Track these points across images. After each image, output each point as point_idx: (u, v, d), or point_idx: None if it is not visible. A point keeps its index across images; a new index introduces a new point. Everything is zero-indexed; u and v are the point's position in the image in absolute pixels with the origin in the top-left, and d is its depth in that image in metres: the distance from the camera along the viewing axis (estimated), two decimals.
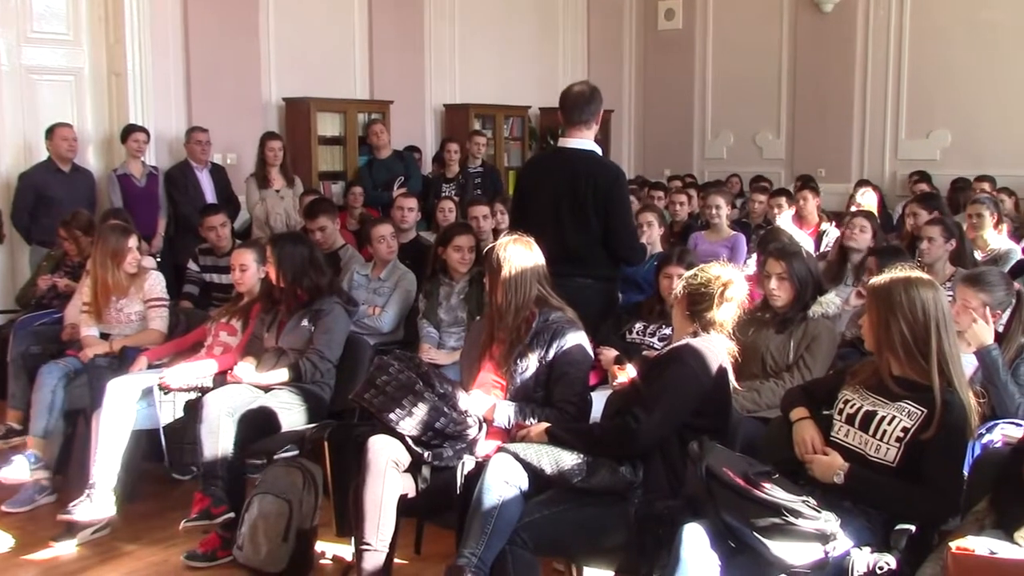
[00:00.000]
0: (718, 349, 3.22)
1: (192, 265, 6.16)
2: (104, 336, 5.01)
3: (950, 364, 2.88)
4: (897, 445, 2.87)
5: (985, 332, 3.60)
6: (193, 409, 4.23)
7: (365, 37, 9.59)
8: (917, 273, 3.02)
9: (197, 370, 4.54)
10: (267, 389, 4.32)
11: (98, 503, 4.26)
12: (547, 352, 3.56)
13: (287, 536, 3.87)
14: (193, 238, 6.73)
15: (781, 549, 2.66)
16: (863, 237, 5.61)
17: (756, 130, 11.95)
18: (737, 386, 3.37)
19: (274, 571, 3.89)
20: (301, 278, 4.51)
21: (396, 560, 3.47)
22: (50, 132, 7.04)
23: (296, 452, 4.43)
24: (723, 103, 12.18)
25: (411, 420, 3.35)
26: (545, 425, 3.32)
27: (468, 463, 3.34)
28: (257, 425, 4.13)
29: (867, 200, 7.61)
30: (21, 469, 4.60)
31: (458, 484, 3.29)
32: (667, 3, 12.47)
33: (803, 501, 2.71)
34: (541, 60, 11.49)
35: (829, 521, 2.68)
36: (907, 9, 10.76)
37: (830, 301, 4.17)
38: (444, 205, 7.24)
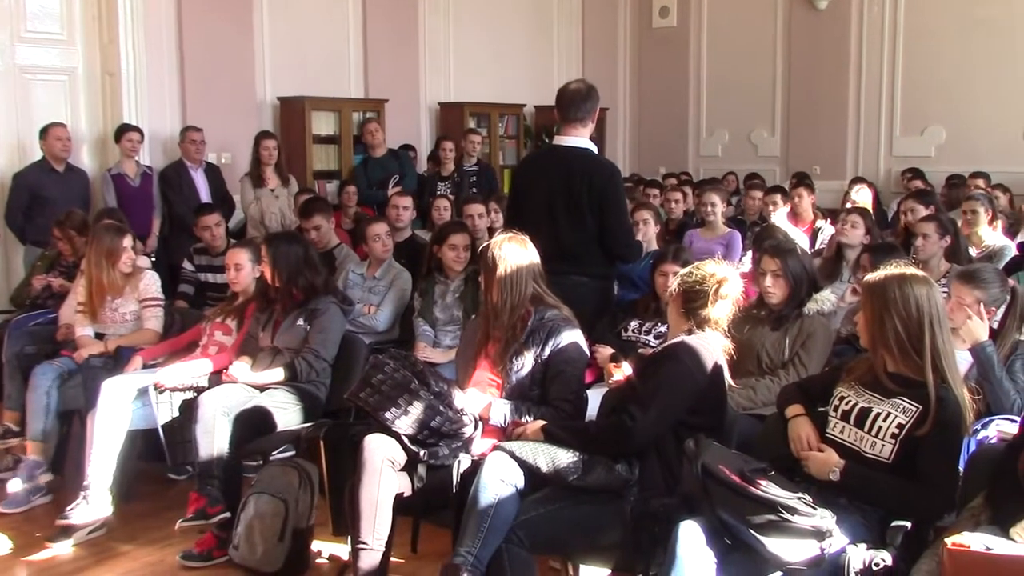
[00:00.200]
0: (713, 346, 3.23)
1: (187, 265, 6.15)
2: (99, 336, 5.00)
3: (944, 360, 2.88)
4: (892, 442, 2.87)
5: (980, 329, 3.61)
6: (189, 409, 4.23)
7: (360, 36, 9.58)
8: (911, 270, 3.03)
9: (192, 370, 4.54)
10: (263, 388, 4.32)
11: (94, 504, 4.26)
12: (543, 350, 3.56)
13: (283, 536, 3.87)
14: (188, 238, 6.72)
15: (777, 546, 2.66)
16: (856, 233, 5.62)
17: (751, 127, 11.96)
18: (733, 383, 3.36)
19: (270, 571, 3.89)
20: (296, 277, 4.50)
21: (392, 559, 3.47)
22: (44, 132, 7.02)
23: (292, 451, 4.43)
24: (718, 100, 12.19)
25: (407, 419, 3.34)
26: (541, 423, 3.32)
27: (464, 461, 3.35)
28: (253, 425, 4.12)
29: (862, 197, 7.61)
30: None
31: (454, 482, 3.29)
32: (661, 1, 12.48)
33: (799, 498, 2.71)
34: (536, 58, 11.49)
35: (825, 518, 2.68)
36: (901, 6, 10.78)
37: (825, 298, 4.17)
38: (439, 203, 7.23)
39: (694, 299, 3.25)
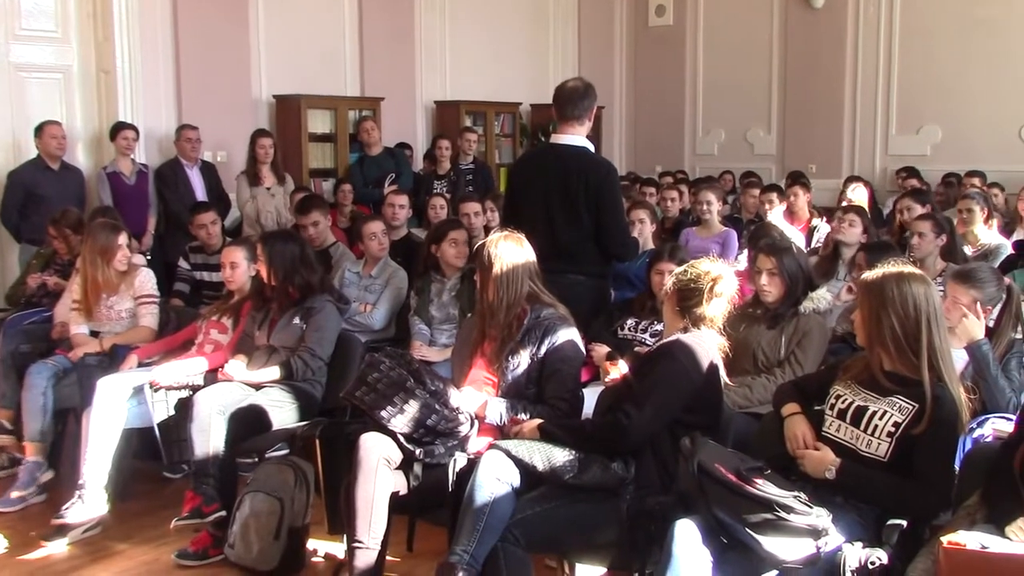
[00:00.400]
0: (708, 344, 3.22)
1: (182, 263, 6.14)
2: (94, 334, 4.99)
3: (940, 359, 2.88)
4: (888, 440, 2.87)
5: (975, 327, 3.61)
6: (184, 407, 4.22)
7: (356, 34, 9.57)
8: (909, 268, 3.03)
9: (188, 368, 4.53)
10: (258, 387, 4.31)
11: (89, 503, 4.25)
12: (539, 349, 3.55)
13: (279, 534, 3.87)
14: (183, 236, 6.70)
15: (773, 545, 2.66)
16: (852, 231, 5.62)
17: (747, 126, 11.96)
18: (728, 382, 3.37)
19: (266, 569, 3.88)
20: (292, 276, 4.50)
21: (388, 558, 3.46)
22: (39, 130, 7.00)
23: (287, 450, 4.43)
24: (714, 99, 12.19)
25: (402, 417, 3.34)
26: (538, 421, 3.32)
27: (460, 460, 3.34)
28: (248, 423, 4.12)
29: (858, 196, 7.62)
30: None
31: (450, 481, 3.28)
32: None
33: (795, 497, 2.71)
34: (532, 57, 11.49)
35: (821, 516, 2.68)
36: (897, 5, 10.78)
37: (821, 296, 4.17)
38: (435, 202, 7.23)
39: (689, 297, 3.25)
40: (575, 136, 4.60)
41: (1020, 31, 10.03)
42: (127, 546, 4.28)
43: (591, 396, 3.62)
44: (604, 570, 3.27)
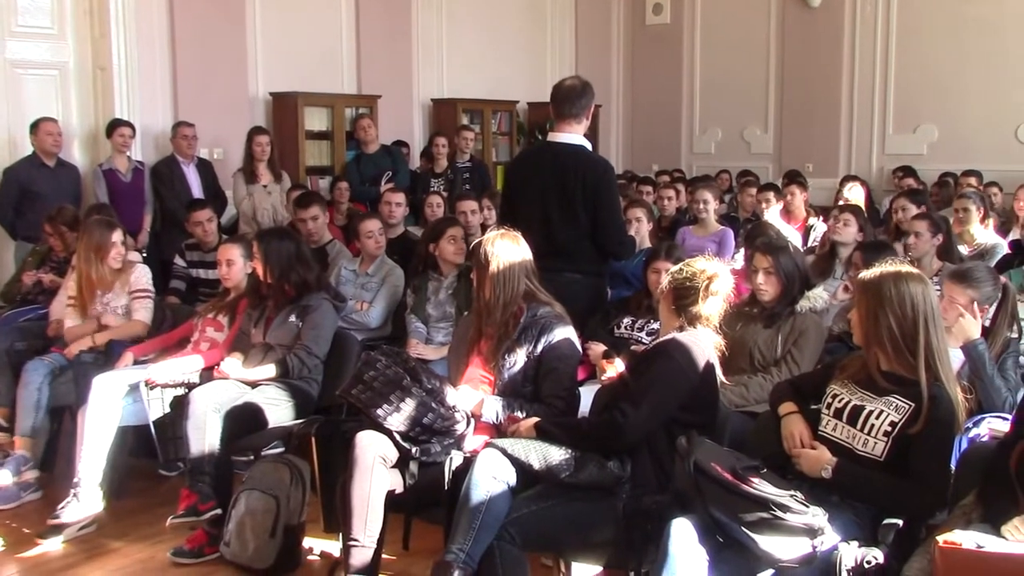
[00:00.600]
0: (704, 343, 3.22)
1: (178, 260, 6.14)
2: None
3: (937, 359, 2.89)
4: (885, 439, 2.87)
5: (972, 327, 3.61)
6: (180, 405, 4.22)
7: (353, 31, 9.56)
8: (907, 268, 3.03)
9: (183, 366, 4.52)
10: (254, 385, 4.30)
11: (85, 501, 4.24)
12: (535, 347, 3.55)
13: (274, 532, 3.86)
14: (179, 233, 6.70)
15: (769, 543, 2.66)
16: (848, 231, 5.63)
17: (744, 125, 11.96)
18: (725, 381, 3.36)
19: (261, 567, 3.88)
20: (288, 273, 4.49)
21: (384, 556, 3.45)
22: (35, 127, 6.99)
23: (283, 448, 4.42)
24: (711, 98, 12.19)
25: (399, 416, 3.34)
26: (534, 420, 3.32)
27: (456, 458, 3.33)
28: (244, 421, 4.11)
29: (854, 195, 7.62)
30: (4, 477, 4.59)
31: (446, 480, 3.27)
32: None
33: (791, 496, 2.71)
34: (529, 55, 11.49)
35: (817, 515, 2.68)
36: (894, 5, 10.78)
37: (817, 295, 4.18)
38: (432, 200, 7.22)
39: (685, 296, 3.24)
40: (572, 134, 4.59)
41: (1017, 31, 10.03)
42: (123, 544, 4.27)
43: (587, 395, 3.62)
44: (600, 569, 3.27)
